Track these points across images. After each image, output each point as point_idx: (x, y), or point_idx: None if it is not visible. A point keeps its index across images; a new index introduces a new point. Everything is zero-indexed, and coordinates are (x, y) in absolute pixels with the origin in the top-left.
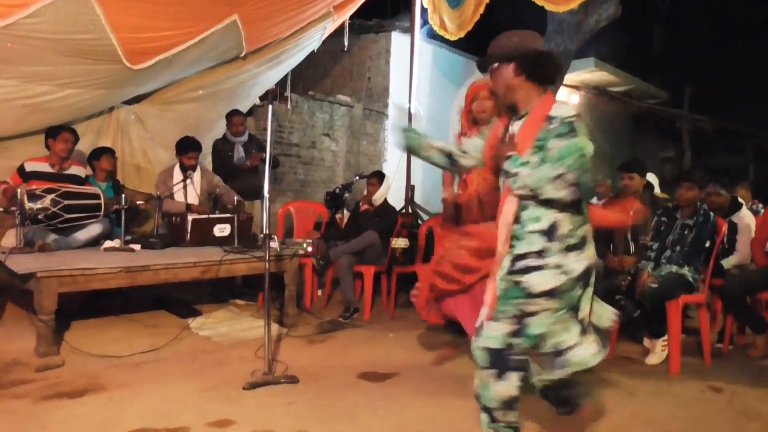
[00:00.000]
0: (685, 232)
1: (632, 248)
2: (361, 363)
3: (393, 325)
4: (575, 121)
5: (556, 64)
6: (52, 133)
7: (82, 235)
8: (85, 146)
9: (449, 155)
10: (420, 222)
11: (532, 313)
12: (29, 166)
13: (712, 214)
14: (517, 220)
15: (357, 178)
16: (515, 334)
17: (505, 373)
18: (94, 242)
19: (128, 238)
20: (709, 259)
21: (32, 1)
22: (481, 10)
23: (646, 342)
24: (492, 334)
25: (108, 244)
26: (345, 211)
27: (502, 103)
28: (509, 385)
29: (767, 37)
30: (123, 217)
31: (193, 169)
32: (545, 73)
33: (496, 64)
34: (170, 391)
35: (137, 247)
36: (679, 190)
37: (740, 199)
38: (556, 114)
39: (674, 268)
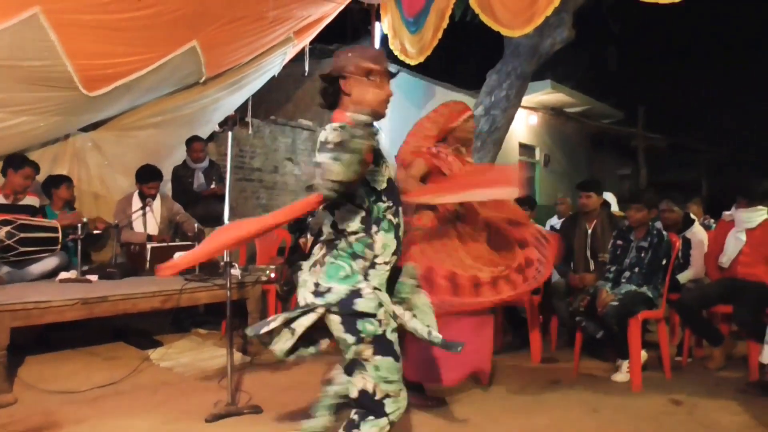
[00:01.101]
0: (642, 255)
1: (592, 266)
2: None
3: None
4: None
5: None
6: (12, 163)
7: (37, 268)
8: (39, 174)
9: None
10: None
11: None
12: None
13: (665, 233)
14: None
15: None
16: None
17: None
18: (51, 275)
19: (85, 268)
20: (666, 275)
21: None
22: (440, 35)
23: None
24: None
25: (64, 275)
26: (309, 236)
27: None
28: None
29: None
30: (80, 247)
31: (153, 197)
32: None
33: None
34: (130, 426)
35: (94, 277)
36: (628, 212)
37: (692, 215)
38: None
39: (633, 288)
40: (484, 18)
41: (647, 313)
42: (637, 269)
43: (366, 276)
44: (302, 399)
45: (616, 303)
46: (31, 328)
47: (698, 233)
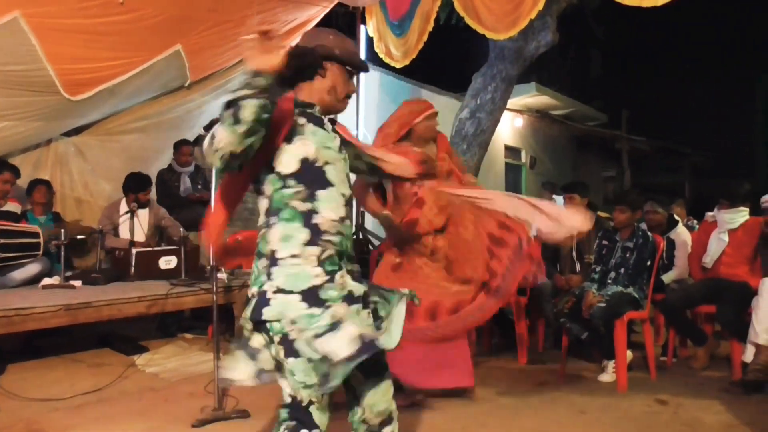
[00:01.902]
0: (627, 255)
1: (577, 267)
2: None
3: None
4: None
5: None
6: None
7: (19, 274)
8: (20, 180)
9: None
10: (371, 248)
11: None
12: None
13: (650, 234)
14: None
15: None
16: None
17: None
18: (33, 281)
19: (69, 274)
20: (651, 275)
21: None
22: (425, 38)
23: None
24: None
25: (47, 281)
26: None
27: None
28: None
29: (697, 60)
30: (63, 253)
31: (143, 205)
32: None
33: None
34: None
35: (78, 283)
36: (614, 213)
37: (676, 217)
38: None
39: (619, 288)
40: (469, 21)
41: (633, 313)
42: (622, 270)
43: (269, 276)
44: None
45: (603, 304)
46: (14, 336)
47: (682, 234)
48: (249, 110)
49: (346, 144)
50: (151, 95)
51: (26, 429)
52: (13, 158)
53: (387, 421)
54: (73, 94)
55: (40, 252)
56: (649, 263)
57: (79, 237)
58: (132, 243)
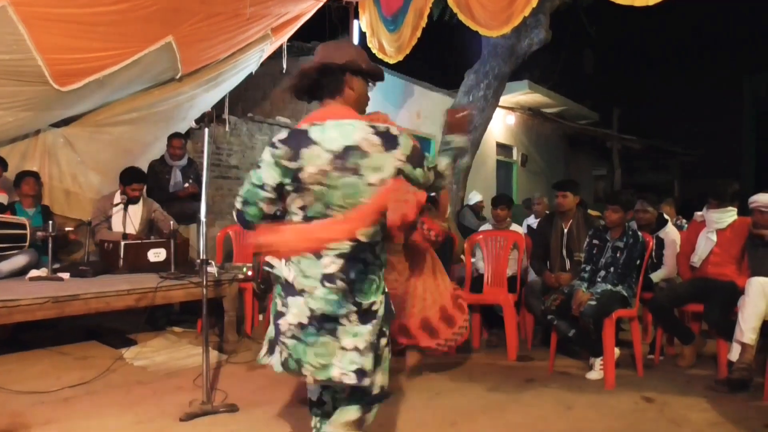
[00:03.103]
0: (617, 254)
1: (567, 265)
2: (304, 389)
3: None
4: None
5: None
6: None
7: (6, 266)
8: (8, 171)
9: None
10: None
11: None
12: None
13: (640, 234)
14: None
15: None
16: None
17: None
18: (20, 273)
19: (57, 266)
20: (639, 274)
21: None
22: (418, 33)
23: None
24: None
25: (34, 273)
26: None
27: None
28: None
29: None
30: (50, 245)
31: (137, 200)
32: None
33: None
34: (102, 426)
35: (66, 275)
36: (606, 213)
37: (666, 216)
38: None
39: (609, 287)
40: (462, 18)
41: (621, 312)
42: (612, 269)
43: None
44: (278, 398)
45: (593, 302)
46: (0, 328)
47: (671, 233)
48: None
49: None
50: (142, 87)
51: (11, 422)
52: (1, 149)
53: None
54: (63, 85)
55: (27, 244)
56: (638, 262)
57: (67, 229)
58: (125, 236)
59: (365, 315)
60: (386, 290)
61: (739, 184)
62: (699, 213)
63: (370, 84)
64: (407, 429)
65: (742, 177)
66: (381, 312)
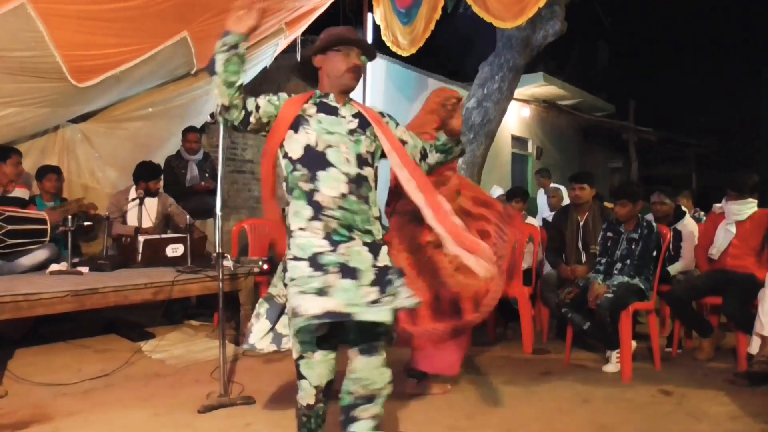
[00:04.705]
0: (632, 246)
1: (583, 257)
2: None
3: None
4: None
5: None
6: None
7: (27, 260)
8: (28, 166)
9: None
10: None
11: None
12: None
13: (654, 224)
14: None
15: None
16: None
17: None
18: (41, 267)
19: (76, 260)
20: (656, 266)
21: None
22: (432, 26)
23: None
24: None
25: (54, 267)
26: None
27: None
28: None
29: (705, 49)
30: (70, 239)
31: (154, 194)
32: None
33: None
34: (122, 418)
35: (85, 269)
36: (615, 208)
37: (683, 208)
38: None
39: (625, 279)
40: (477, 10)
41: (638, 304)
42: (628, 261)
43: (289, 246)
44: (295, 390)
45: (610, 295)
46: (22, 321)
47: (689, 225)
48: (219, 63)
49: (366, 126)
50: (158, 82)
51: (34, 413)
52: (21, 144)
53: (369, 398)
54: (80, 81)
55: (47, 238)
56: (654, 254)
57: (86, 224)
58: (138, 230)
59: None
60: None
61: (758, 175)
62: (718, 205)
63: (342, 50)
64: (422, 421)
65: (761, 168)
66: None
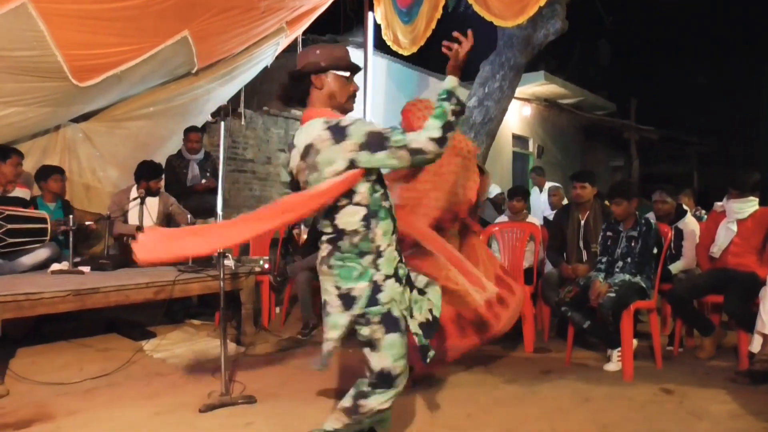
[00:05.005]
0: (632, 244)
1: (584, 256)
2: (321, 380)
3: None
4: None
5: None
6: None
7: (29, 259)
8: (29, 166)
9: None
10: None
11: None
12: None
13: (653, 222)
14: None
15: None
16: None
17: None
18: (42, 266)
19: (77, 260)
20: (658, 265)
21: None
22: (433, 25)
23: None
24: None
25: (55, 266)
26: (302, 227)
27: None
28: None
29: (707, 49)
30: (71, 239)
31: (154, 193)
32: None
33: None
34: (123, 417)
35: (86, 269)
36: (611, 208)
37: (684, 206)
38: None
39: (627, 277)
40: (477, 8)
41: (640, 303)
42: (629, 259)
43: (377, 267)
44: (296, 389)
45: (613, 294)
46: (23, 320)
47: (690, 224)
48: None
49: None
50: (159, 82)
51: (36, 412)
52: (22, 144)
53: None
54: (81, 80)
55: (48, 237)
56: (655, 251)
57: (87, 223)
58: (139, 229)
59: (346, 300)
60: (374, 279)
61: (760, 173)
62: (719, 203)
63: (344, 75)
64: (423, 420)
65: (761, 167)
66: (363, 298)
